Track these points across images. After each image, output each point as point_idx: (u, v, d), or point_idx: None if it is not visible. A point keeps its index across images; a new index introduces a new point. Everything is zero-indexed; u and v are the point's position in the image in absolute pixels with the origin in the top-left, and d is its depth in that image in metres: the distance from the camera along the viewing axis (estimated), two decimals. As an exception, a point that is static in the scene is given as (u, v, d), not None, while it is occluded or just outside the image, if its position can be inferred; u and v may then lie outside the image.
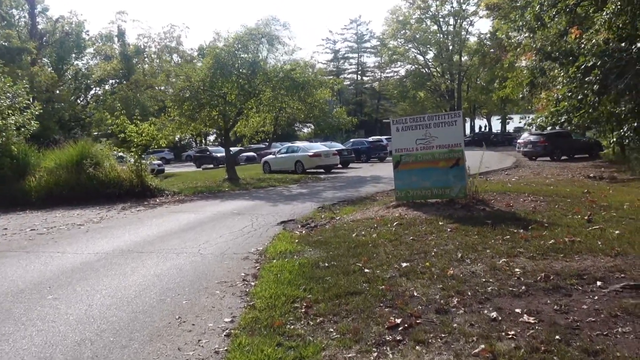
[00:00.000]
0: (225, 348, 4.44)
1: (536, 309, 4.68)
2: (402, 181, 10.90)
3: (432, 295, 5.26)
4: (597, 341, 3.97)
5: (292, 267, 6.75)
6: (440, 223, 8.76)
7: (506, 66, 33.01)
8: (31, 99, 29.63)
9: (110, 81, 61.01)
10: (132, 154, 18.51)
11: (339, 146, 32.03)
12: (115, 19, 71.51)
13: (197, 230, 10.54)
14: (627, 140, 17.75)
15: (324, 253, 7.50)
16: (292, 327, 4.76)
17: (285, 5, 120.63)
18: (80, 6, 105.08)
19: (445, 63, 63.43)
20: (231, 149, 26.50)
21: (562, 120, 18.27)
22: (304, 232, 9.90)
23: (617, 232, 7.29)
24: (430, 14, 63.75)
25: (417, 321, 4.62)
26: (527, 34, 19.54)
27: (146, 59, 64.74)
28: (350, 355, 4.07)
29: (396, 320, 4.66)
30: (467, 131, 66.28)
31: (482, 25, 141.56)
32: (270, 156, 29.84)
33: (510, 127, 68.98)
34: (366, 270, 6.34)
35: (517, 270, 5.83)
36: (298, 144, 32.34)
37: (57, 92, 49.92)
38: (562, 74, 17.81)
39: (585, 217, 8.51)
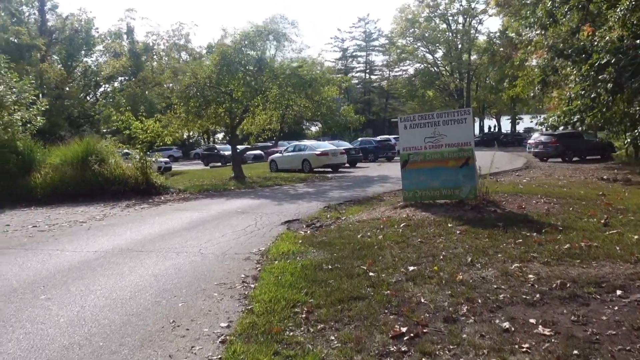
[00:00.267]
0: (219, 356, 4.18)
1: (552, 320, 4.38)
2: (410, 181, 10.59)
3: (440, 302, 4.97)
4: (618, 357, 3.67)
5: (294, 269, 6.49)
6: (449, 225, 8.46)
7: (517, 64, 32.56)
8: (40, 95, 29.64)
9: (119, 78, 61.02)
10: (137, 150, 18.33)
11: (346, 145, 31.74)
12: (124, 17, 71.75)
13: (200, 229, 10.30)
14: (641, 141, 17.37)
15: (327, 254, 7.23)
16: (291, 334, 4.49)
17: (294, 4, 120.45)
18: (90, 3, 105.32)
19: (455, 62, 62.94)
20: (238, 147, 26.27)
21: (575, 120, 17.89)
22: (308, 232, 9.63)
23: (636, 237, 6.93)
24: (440, 12, 63.28)
25: (424, 330, 4.35)
26: (538, 31, 19.14)
27: (155, 57, 64.69)
28: (351, 367, 3.81)
29: (401, 328, 4.38)
30: (476, 131, 65.73)
31: (492, 23, 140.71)
32: (277, 155, 29.60)
33: (520, 127, 68.46)
34: (371, 273, 6.06)
35: (530, 276, 5.52)
36: (305, 142, 32.08)
37: (67, 89, 49.95)
38: (574, 72, 17.44)
39: (602, 221, 8.17)
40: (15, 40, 46.53)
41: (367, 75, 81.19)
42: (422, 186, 10.39)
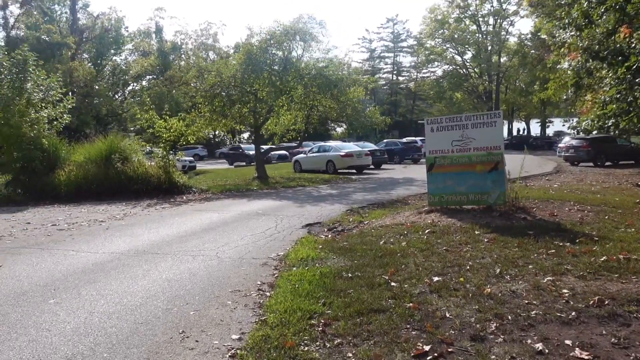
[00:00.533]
0: (228, 372, 3.91)
1: (590, 342, 4.00)
2: (436, 185, 10.21)
3: (466, 318, 4.62)
4: (668, 389, 3.29)
5: (313, 277, 6.19)
6: (477, 232, 8.06)
7: (549, 66, 31.75)
8: (70, 93, 29.95)
9: (148, 77, 61.62)
10: (160, 149, 18.28)
11: (372, 146, 31.35)
12: (153, 16, 72.75)
13: (219, 231, 10.09)
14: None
15: (348, 261, 6.92)
16: (306, 349, 4.19)
17: (322, 4, 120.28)
18: (120, 2, 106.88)
19: (484, 64, 61.84)
20: (262, 147, 26.12)
21: (609, 124, 17.20)
22: (329, 236, 9.34)
23: (678, 249, 6.47)
24: (470, 13, 62.29)
25: (449, 349, 4.01)
26: (573, 32, 18.48)
27: (182, 56, 65.14)
28: (368, 390, 3.49)
29: (424, 347, 4.05)
30: (505, 134, 64.56)
31: (523, 25, 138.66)
32: (302, 155, 29.36)
33: (549, 131, 67.06)
34: (393, 283, 5.73)
35: (564, 291, 5.12)
36: (330, 143, 31.78)
37: (96, 87, 50.60)
38: (609, 75, 16.76)
39: (640, 231, 7.70)
40: (47, 39, 47.34)
41: (395, 76, 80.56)
42: (448, 191, 10.00)
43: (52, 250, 8.66)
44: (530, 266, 6.05)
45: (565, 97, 23.58)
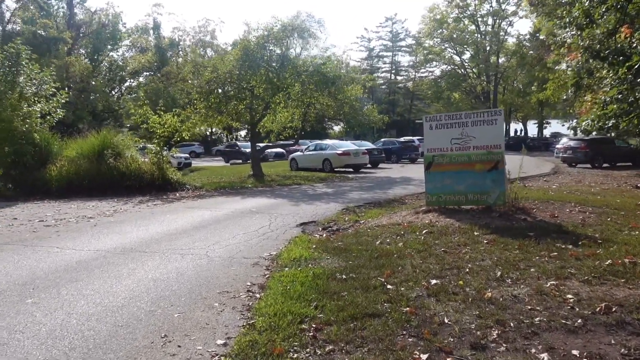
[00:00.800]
0: (210, 382, 3.64)
1: (598, 352, 3.73)
2: (434, 184, 9.93)
3: (466, 324, 4.35)
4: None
5: (305, 278, 5.91)
6: (476, 233, 7.79)
7: (549, 66, 31.55)
8: (66, 88, 29.58)
9: (145, 73, 61.19)
10: (154, 145, 17.99)
11: (369, 145, 31.11)
12: (151, 12, 72.38)
13: (210, 229, 9.81)
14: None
15: (342, 262, 6.64)
16: (295, 355, 3.92)
17: (321, 2, 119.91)
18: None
19: (482, 64, 61.69)
20: (257, 144, 25.82)
21: (609, 125, 16.98)
22: (324, 235, 9.07)
23: (686, 254, 6.22)
24: (469, 13, 62.14)
25: (448, 359, 3.74)
26: (574, 32, 18.25)
27: (180, 53, 64.73)
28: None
29: (422, 355, 3.78)
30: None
31: (522, 25, 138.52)
32: (298, 153, 29.09)
33: (547, 132, 67.00)
34: (389, 286, 5.46)
35: (569, 296, 4.85)
36: (327, 141, 31.52)
37: (92, 82, 50.15)
38: (610, 75, 16.53)
39: (645, 234, 7.44)
40: (43, 33, 46.91)
41: (393, 75, 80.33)
42: (446, 190, 9.73)
43: (36, 247, 8.36)
44: (532, 269, 5.79)
45: (565, 97, 23.34)
